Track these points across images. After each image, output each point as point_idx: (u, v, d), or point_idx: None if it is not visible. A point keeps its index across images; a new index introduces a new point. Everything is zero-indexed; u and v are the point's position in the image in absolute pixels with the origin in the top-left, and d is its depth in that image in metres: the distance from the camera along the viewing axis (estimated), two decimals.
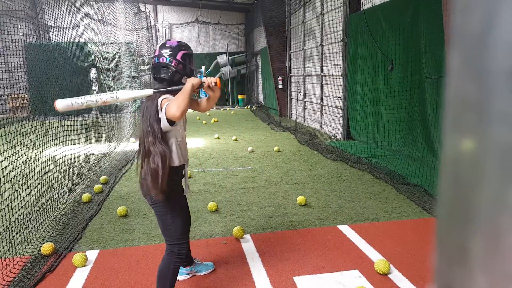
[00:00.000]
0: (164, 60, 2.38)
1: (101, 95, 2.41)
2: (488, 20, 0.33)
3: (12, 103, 8.02)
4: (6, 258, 3.19)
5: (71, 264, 3.21)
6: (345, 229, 3.83)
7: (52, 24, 7.68)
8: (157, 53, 2.41)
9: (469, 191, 0.35)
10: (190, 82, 2.24)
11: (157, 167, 2.22)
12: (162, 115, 2.21)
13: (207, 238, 3.71)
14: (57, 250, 3.47)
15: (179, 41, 2.49)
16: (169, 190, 2.29)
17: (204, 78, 2.37)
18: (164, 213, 2.38)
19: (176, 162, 2.36)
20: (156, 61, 2.40)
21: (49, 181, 4.62)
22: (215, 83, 2.36)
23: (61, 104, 2.33)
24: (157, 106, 2.26)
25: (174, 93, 2.32)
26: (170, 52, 2.39)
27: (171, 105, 2.13)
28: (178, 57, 2.39)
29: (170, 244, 2.44)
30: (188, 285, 2.91)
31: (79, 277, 3.06)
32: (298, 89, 12.56)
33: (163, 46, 2.43)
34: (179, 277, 2.90)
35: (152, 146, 2.25)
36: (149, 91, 2.35)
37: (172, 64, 2.37)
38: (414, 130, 6.33)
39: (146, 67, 16.78)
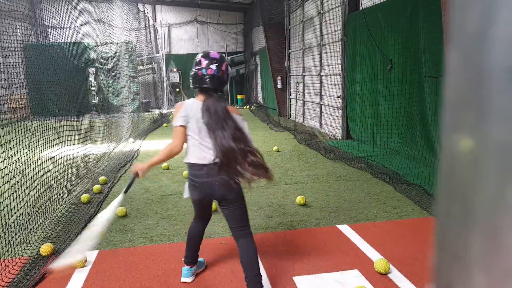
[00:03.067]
0: (212, 72, 2.53)
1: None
2: (486, 19, 0.33)
3: (10, 103, 8.01)
4: (5, 259, 3.19)
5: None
6: (345, 228, 3.83)
7: (50, 25, 7.67)
8: (203, 65, 2.55)
9: (468, 190, 0.35)
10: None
11: (259, 159, 2.49)
12: (246, 129, 2.56)
13: (207, 238, 3.70)
14: (56, 250, 3.46)
15: (219, 53, 2.68)
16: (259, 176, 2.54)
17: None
18: (243, 201, 2.64)
19: None
20: (204, 73, 2.54)
21: (48, 182, 4.62)
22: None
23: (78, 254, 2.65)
24: (233, 117, 2.54)
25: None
26: (217, 64, 2.56)
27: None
28: (223, 67, 2.59)
29: (248, 226, 2.69)
30: (188, 285, 2.91)
31: (78, 277, 3.06)
32: (297, 89, 12.56)
33: (207, 57, 2.57)
34: (186, 279, 2.94)
35: (248, 145, 2.50)
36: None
37: (219, 74, 2.56)
38: (413, 130, 6.33)
39: (145, 67, 16.79)
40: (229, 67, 2.66)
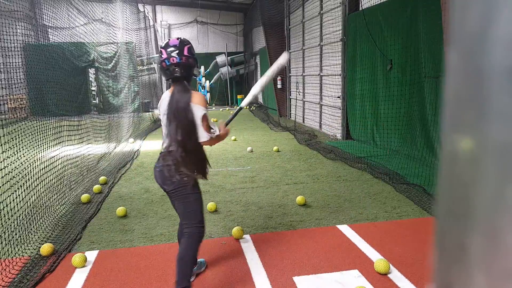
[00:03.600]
0: (175, 60, 2.49)
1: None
2: (486, 19, 0.33)
3: (10, 103, 8.01)
4: (5, 259, 3.19)
5: (71, 265, 3.21)
6: (345, 229, 3.83)
7: (50, 25, 7.68)
8: (164, 55, 2.50)
9: (468, 190, 0.35)
10: (226, 133, 2.70)
11: (198, 153, 2.55)
12: (201, 130, 2.50)
13: (206, 238, 3.70)
14: (56, 250, 3.46)
15: (179, 38, 2.59)
16: (200, 173, 2.56)
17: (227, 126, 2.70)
18: (189, 196, 2.54)
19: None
20: (168, 63, 2.50)
21: (48, 182, 4.62)
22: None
23: None
24: (193, 108, 2.48)
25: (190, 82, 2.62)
26: (178, 51, 2.49)
27: (209, 141, 2.54)
28: (185, 52, 2.51)
29: (193, 226, 2.58)
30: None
31: (78, 278, 3.05)
32: (297, 89, 12.56)
33: (167, 47, 2.52)
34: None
35: (193, 135, 2.49)
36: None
37: (183, 60, 2.50)
38: (413, 130, 6.34)
39: (145, 67, 16.78)
40: (192, 49, 2.58)
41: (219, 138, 2.63)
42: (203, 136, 2.50)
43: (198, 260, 3.05)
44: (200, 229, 2.60)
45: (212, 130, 2.58)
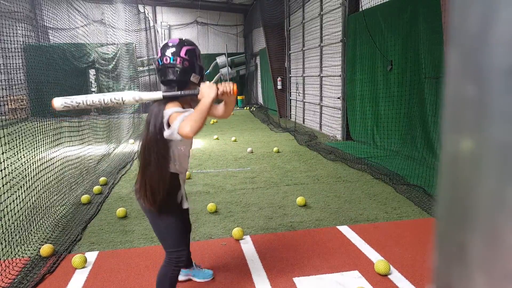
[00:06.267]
0: (168, 60, 2.19)
1: (105, 95, 2.23)
2: (486, 19, 0.33)
3: (11, 104, 8.02)
4: (5, 260, 3.19)
5: (70, 266, 3.20)
6: (345, 229, 3.83)
7: (51, 26, 7.68)
8: (159, 54, 2.23)
9: (468, 191, 0.35)
10: (208, 96, 2.03)
11: (156, 181, 2.17)
12: (169, 132, 2.06)
13: (206, 239, 3.70)
14: (56, 251, 3.46)
15: (181, 38, 2.29)
16: (162, 203, 2.20)
17: (218, 84, 2.14)
18: (157, 223, 2.31)
19: (171, 170, 2.24)
20: (160, 63, 2.22)
21: (48, 183, 4.62)
22: (230, 90, 2.15)
23: (58, 102, 2.20)
24: (162, 118, 2.10)
25: (184, 99, 2.22)
26: (173, 50, 2.19)
27: (185, 124, 1.96)
28: (182, 53, 2.19)
29: (167, 251, 2.36)
30: (188, 285, 2.90)
31: (78, 278, 3.05)
32: (297, 90, 12.57)
33: (165, 46, 2.24)
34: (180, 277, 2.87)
35: (154, 155, 2.16)
36: (159, 94, 2.17)
37: (177, 62, 2.18)
38: (414, 131, 6.33)
39: (145, 68, 16.79)
40: (195, 52, 2.25)
41: (201, 109, 2.02)
42: (168, 133, 2.08)
43: (206, 270, 3.03)
44: (175, 254, 2.33)
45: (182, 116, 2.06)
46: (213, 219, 4.19)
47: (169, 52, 2.20)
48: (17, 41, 4.95)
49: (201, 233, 3.82)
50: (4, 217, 3.48)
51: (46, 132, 4.96)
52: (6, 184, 3.62)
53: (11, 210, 3.61)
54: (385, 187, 5.15)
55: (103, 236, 3.83)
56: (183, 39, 2.29)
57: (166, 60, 2.20)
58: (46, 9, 7.34)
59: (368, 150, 7.31)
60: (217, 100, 2.12)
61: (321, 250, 3.40)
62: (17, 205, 3.72)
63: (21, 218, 3.77)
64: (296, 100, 12.66)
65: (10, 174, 3.71)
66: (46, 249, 3.38)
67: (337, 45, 8.85)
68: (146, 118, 2.23)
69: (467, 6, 0.34)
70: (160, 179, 2.18)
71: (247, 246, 3.53)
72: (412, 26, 6.18)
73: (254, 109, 17.16)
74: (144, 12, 15.87)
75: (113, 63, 11.96)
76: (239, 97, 19.52)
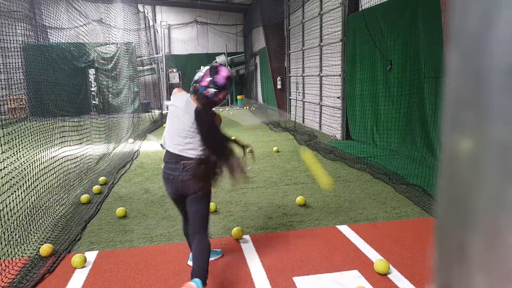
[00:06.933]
0: (208, 94, 2.59)
1: None
2: (486, 19, 0.33)
3: (10, 104, 8.01)
4: (5, 260, 3.18)
5: (70, 266, 3.20)
6: (345, 229, 3.83)
7: (50, 25, 7.67)
8: (205, 83, 2.58)
9: (468, 190, 0.35)
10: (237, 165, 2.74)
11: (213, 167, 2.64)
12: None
13: None
14: (56, 251, 3.46)
15: (229, 76, 2.65)
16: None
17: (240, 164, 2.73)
18: (207, 202, 2.74)
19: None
20: (201, 90, 2.58)
21: (48, 182, 4.61)
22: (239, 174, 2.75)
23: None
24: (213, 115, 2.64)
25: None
26: (217, 89, 2.59)
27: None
28: (221, 96, 2.63)
29: (206, 228, 2.73)
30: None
31: (78, 278, 3.05)
32: (297, 90, 12.56)
33: (214, 76, 2.59)
34: (190, 262, 3.09)
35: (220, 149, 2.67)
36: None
37: (213, 98, 2.62)
38: (413, 130, 6.34)
39: (145, 67, 16.79)
40: (228, 92, 2.68)
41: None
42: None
43: (215, 250, 3.30)
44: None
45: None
46: (213, 219, 4.19)
47: (212, 89, 2.62)
48: (16, 40, 4.94)
49: None
50: (4, 216, 3.47)
51: (45, 131, 4.96)
52: (5, 183, 3.61)
53: (10, 210, 3.60)
54: (385, 186, 5.15)
55: (102, 236, 3.83)
56: (231, 76, 2.70)
57: (207, 93, 2.63)
58: (45, 8, 7.33)
59: (367, 150, 7.31)
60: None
61: (321, 250, 3.40)
62: (16, 204, 3.72)
63: (20, 217, 3.77)
64: (296, 100, 12.66)
65: (10, 174, 3.70)
66: (45, 248, 3.38)
67: (337, 45, 8.85)
68: (202, 120, 2.68)
69: (467, 6, 0.34)
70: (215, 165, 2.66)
71: (247, 246, 3.53)
72: (412, 26, 6.18)
73: (254, 108, 17.15)
74: (144, 11, 15.86)
75: (113, 62, 11.94)
76: (238, 97, 19.52)
